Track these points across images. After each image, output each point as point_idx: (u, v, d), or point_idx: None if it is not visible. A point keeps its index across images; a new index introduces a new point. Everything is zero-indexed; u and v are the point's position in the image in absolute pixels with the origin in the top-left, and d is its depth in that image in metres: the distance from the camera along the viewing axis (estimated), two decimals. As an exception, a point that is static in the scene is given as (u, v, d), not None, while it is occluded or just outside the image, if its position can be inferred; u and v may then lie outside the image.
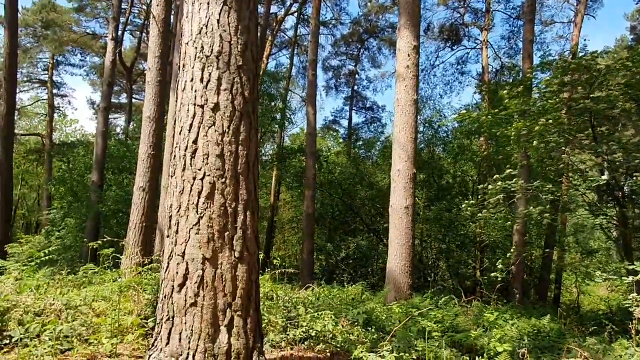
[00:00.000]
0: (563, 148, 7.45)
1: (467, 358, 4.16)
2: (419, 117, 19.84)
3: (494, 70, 22.59)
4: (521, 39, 14.44)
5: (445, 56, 28.37)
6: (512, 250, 8.70)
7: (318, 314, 4.73)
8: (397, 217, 8.83)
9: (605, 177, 6.74)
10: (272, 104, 20.63)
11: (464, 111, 10.56)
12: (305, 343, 4.42)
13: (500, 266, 8.13)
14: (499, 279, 7.93)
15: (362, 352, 3.53)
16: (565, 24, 22.20)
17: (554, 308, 10.41)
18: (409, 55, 8.95)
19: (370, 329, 4.90)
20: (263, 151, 26.32)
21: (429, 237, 17.00)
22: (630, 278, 5.68)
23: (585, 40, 20.10)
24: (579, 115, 7.48)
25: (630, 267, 5.78)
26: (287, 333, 4.41)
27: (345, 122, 31.61)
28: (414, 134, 8.96)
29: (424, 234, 17.03)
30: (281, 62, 30.91)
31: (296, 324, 4.62)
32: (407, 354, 4.68)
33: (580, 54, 9.41)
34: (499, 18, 35.96)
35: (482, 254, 14.94)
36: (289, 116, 25.01)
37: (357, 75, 30.66)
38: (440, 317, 6.45)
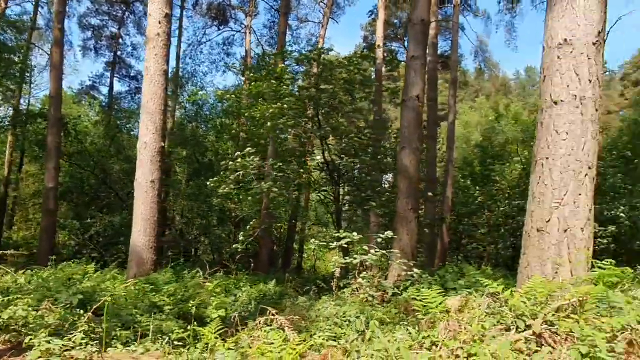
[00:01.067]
0: (290, 130, 8.42)
1: (176, 326, 4.29)
2: (184, 93, 19.48)
3: (256, 55, 23.72)
4: (278, 30, 15.50)
5: (212, 35, 28.14)
6: (251, 223, 9.44)
7: (10, 300, 4.12)
8: (143, 191, 8.45)
9: (318, 158, 7.96)
10: (10, 57, 17.13)
11: (221, 90, 10.82)
12: (-10, 334, 3.81)
13: (241, 238, 8.71)
14: (239, 249, 8.49)
15: (44, 336, 3.22)
16: (317, 24, 25.11)
17: (294, 273, 11.73)
18: (159, 23, 8.52)
19: (79, 310, 4.53)
20: (-2, 113, 21.57)
21: (191, 212, 16.93)
22: (335, 243, 6.86)
23: (328, 39, 23.21)
24: (312, 103, 8.54)
25: (336, 235, 6.93)
26: (-39, 325, 3.71)
27: (105, 90, 28.44)
28: (163, 105, 8.65)
29: (185, 209, 16.85)
30: (29, 9, 25.32)
31: (-22, 313, 3.93)
32: (125, 331, 4.55)
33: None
34: (262, 7, 37.61)
35: (236, 229, 15.71)
36: (30, 74, 21.19)
37: (120, 40, 27.79)
38: (173, 291, 6.51)
